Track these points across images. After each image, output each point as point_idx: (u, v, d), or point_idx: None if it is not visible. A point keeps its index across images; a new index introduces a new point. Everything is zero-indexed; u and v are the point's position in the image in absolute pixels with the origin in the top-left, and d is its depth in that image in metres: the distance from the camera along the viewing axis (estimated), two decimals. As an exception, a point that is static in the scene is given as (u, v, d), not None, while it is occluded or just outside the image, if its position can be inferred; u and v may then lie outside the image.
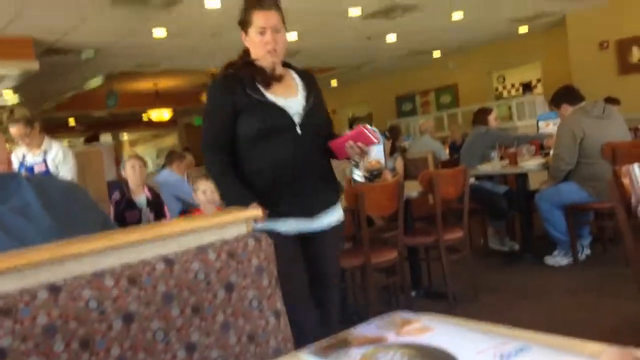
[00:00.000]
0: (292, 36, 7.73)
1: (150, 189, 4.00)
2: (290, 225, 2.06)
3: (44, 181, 1.50)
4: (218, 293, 1.20)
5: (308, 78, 2.24)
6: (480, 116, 4.98)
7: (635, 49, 7.83)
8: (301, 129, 2.04)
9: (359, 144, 1.98)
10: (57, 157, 3.48)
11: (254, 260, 1.28)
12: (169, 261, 1.16)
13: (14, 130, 3.40)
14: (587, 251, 4.17)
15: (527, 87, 9.14)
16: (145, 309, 1.07)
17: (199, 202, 3.30)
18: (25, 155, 3.53)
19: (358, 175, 2.40)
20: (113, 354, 1.00)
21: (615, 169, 1.81)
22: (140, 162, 3.91)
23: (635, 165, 1.83)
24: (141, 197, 3.88)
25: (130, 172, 3.84)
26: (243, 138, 2.05)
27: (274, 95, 2.06)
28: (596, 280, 3.65)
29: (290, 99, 2.09)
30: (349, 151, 2.00)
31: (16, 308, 0.93)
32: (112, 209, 3.79)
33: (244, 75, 2.07)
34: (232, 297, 1.22)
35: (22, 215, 1.34)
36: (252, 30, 2.05)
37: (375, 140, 1.99)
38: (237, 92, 2.03)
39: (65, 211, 1.41)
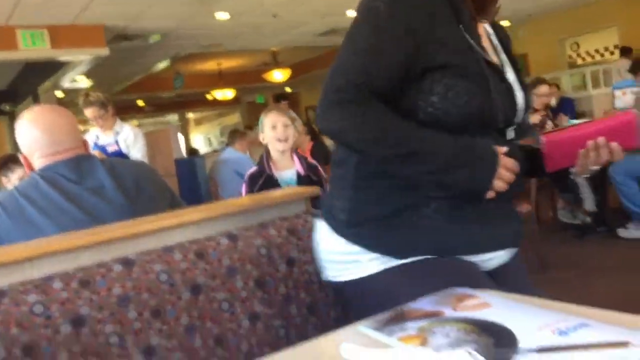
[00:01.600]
0: (351, 12, 7.66)
1: (305, 160, 2.61)
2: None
3: (116, 163, 1.59)
4: (279, 267, 1.23)
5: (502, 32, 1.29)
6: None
7: None
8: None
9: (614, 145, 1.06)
10: (128, 138, 3.65)
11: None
12: (232, 237, 1.20)
13: (89, 112, 3.57)
14: (664, 224, 3.97)
15: (626, 50, 8.31)
16: (212, 281, 1.12)
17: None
18: (99, 136, 3.71)
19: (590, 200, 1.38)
20: (182, 323, 1.06)
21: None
22: (287, 118, 2.52)
23: None
24: (287, 173, 2.52)
25: (270, 135, 2.49)
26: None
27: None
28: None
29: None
30: (589, 156, 1.09)
31: (93, 280, 1.00)
32: (244, 188, 2.54)
33: None
34: (292, 271, 1.25)
35: (97, 195, 1.42)
36: None
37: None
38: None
39: (136, 191, 1.49)
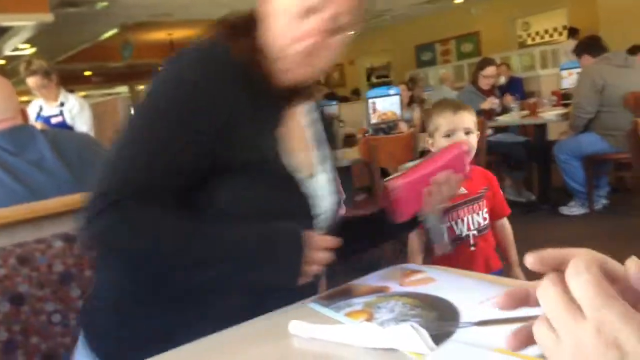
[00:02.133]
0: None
1: None
2: None
3: (59, 134, 1.53)
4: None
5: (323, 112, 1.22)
6: (474, 71, 4.73)
7: (665, -6, 7.51)
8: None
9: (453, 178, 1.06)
10: (73, 109, 3.52)
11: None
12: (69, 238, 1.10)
13: (31, 81, 3.41)
14: (604, 201, 4.15)
15: (573, 32, 8.57)
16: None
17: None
18: (42, 107, 3.57)
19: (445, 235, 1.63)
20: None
21: (635, 120, 1.78)
22: None
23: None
24: None
25: None
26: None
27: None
28: (611, 229, 3.64)
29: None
30: (432, 196, 1.05)
31: (33, 256, 0.97)
32: None
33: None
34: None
35: (37, 167, 1.37)
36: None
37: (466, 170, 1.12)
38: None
39: (80, 164, 1.44)
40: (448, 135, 1.65)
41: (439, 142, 1.68)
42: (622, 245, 3.24)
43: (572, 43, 7.41)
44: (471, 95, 4.64)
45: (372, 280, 0.99)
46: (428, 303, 0.85)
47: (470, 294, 0.87)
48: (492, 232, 1.76)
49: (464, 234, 1.67)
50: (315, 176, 1.03)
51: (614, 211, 4.07)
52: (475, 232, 1.68)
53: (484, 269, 1.65)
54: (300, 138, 1.04)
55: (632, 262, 0.38)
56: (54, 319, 0.94)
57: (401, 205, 1.03)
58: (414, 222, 1.10)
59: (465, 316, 0.79)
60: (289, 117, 1.01)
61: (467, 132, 1.65)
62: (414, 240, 1.73)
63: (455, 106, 1.69)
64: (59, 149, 1.42)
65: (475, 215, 1.68)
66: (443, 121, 1.67)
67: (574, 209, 4.09)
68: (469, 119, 1.66)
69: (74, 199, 1.13)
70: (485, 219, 1.70)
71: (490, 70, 4.59)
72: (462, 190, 1.61)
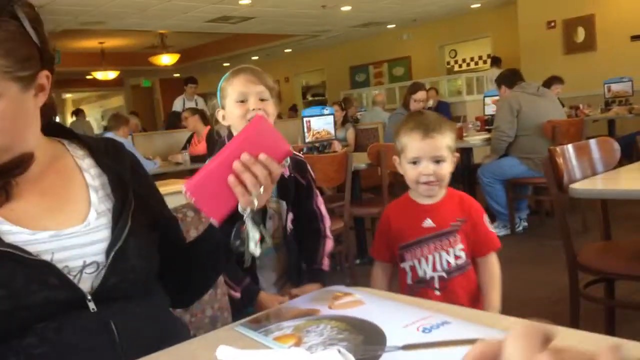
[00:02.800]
0: (245, 0, 7.58)
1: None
2: None
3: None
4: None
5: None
6: (406, 94, 4.91)
7: (580, 29, 8.06)
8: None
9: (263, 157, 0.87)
10: None
11: (192, 232, 1.29)
12: None
13: None
14: (525, 223, 4.36)
15: (496, 61, 9.01)
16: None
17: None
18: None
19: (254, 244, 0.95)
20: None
21: (550, 148, 1.89)
22: (263, 87, 1.58)
23: (570, 147, 1.92)
24: None
25: (235, 113, 1.57)
26: None
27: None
28: (531, 251, 3.81)
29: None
30: (244, 182, 0.87)
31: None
32: None
33: None
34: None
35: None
36: None
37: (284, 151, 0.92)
38: None
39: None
40: (414, 163, 1.44)
41: (405, 167, 1.47)
42: (538, 267, 3.41)
43: (495, 71, 7.83)
44: (402, 118, 4.77)
45: (302, 302, 0.99)
46: (356, 326, 0.86)
47: (397, 317, 0.89)
48: (476, 271, 1.50)
49: (427, 276, 1.45)
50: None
51: (533, 233, 4.26)
52: (443, 274, 1.44)
53: None
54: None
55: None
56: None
57: (207, 204, 0.88)
58: (235, 220, 0.93)
59: (391, 340, 0.80)
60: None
61: (438, 161, 1.42)
62: (378, 275, 1.56)
63: (426, 129, 1.41)
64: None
65: (444, 254, 1.44)
66: (409, 145, 1.44)
67: (496, 230, 4.26)
68: (441, 143, 1.41)
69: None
70: (458, 257, 1.45)
71: (421, 94, 4.75)
72: (429, 222, 1.45)
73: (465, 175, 4.60)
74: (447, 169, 1.44)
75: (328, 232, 1.70)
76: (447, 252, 1.44)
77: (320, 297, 1.00)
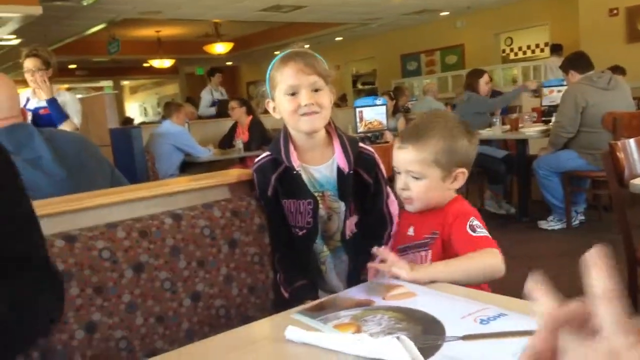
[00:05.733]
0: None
1: (354, 145, 1.49)
2: None
3: (55, 133, 1.54)
4: (222, 248, 1.26)
5: None
6: (471, 80, 4.93)
7: (645, 17, 7.71)
8: None
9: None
10: (63, 101, 3.50)
11: (256, 219, 1.34)
12: (176, 216, 1.21)
13: (31, 62, 3.34)
14: (582, 217, 4.24)
15: (556, 48, 8.70)
16: (155, 260, 1.14)
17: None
18: (30, 99, 3.54)
19: None
20: (124, 300, 1.07)
21: (611, 143, 1.85)
22: (317, 77, 1.37)
23: (632, 141, 1.88)
24: (321, 168, 1.49)
25: (287, 107, 1.37)
26: None
27: None
28: (588, 246, 3.65)
29: None
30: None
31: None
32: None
33: None
34: (234, 252, 1.28)
35: (34, 167, 1.38)
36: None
37: None
38: None
39: (76, 163, 1.46)
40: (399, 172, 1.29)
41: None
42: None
43: (555, 60, 7.57)
44: (479, 98, 4.81)
45: (355, 293, 1.01)
46: (413, 317, 0.88)
47: (452, 308, 0.91)
48: None
49: None
50: None
51: (590, 228, 4.15)
52: None
53: None
54: None
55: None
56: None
57: None
58: None
59: (449, 330, 0.82)
60: None
61: (416, 177, 1.24)
62: None
63: (405, 138, 1.25)
64: (56, 148, 1.44)
65: None
66: (394, 155, 1.30)
67: (552, 224, 4.17)
68: (411, 157, 1.23)
69: (75, 199, 1.15)
70: None
71: (487, 77, 4.82)
72: (410, 231, 1.30)
73: (521, 166, 4.51)
74: (417, 187, 1.23)
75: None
76: None
77: (373, 288, 1.02)
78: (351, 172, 1.37)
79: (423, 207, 1.27)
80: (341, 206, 1.39)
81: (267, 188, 1.34)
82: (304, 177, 1.34)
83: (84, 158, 1.50)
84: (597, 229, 4.11)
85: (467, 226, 1.20)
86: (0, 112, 1.43)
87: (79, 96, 3.87)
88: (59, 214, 1.09)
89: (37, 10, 6.16)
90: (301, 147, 1.37)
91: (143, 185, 1.34)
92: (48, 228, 1.06)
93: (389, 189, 1.46)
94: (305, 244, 1.36)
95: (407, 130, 1.26)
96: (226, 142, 5.47)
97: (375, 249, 1.14)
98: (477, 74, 4.94)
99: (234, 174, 1.45)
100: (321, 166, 1.38)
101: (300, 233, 1.35)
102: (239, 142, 5.21)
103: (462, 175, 1.26)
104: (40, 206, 1.09)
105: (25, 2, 6.03)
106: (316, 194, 1.35)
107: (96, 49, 11.46)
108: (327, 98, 1.34)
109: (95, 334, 1.01)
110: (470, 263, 1.13)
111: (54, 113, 3.33)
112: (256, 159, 1.39)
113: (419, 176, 1.23)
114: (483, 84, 4.83)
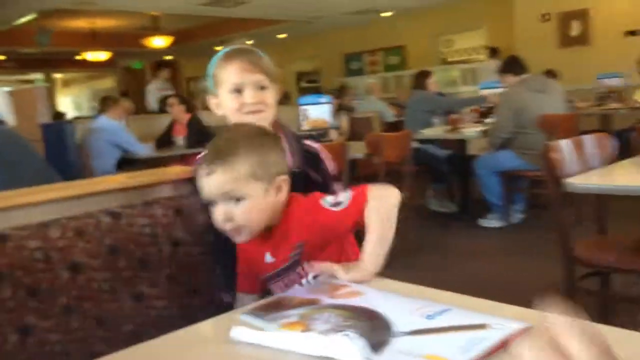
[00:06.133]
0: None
1: (298, 143, 1.47)
2: None
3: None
4: (164, 247, 1.21)
5: None
6: (419, 80, 5.08)
7: (575, 23, 8.08)
8: None
9: None
10: None
11: (199, 218, 1.30)
12: (115, 214, 1.16)
13: None
14: (521, 216, 4.39)
15: (494, 52, 9.03)
16: (92, 260, 1.08)
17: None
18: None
19: None
20: (59, 303, 1.01)
21: (547, 143, 1.92)
22: (262, 76, 1.38)
23: (566, 141, 1.96)
24: None
25: (231, 105, 1.37)
26: None
27: None
28: (526, 243, 3.85)
29: None
30: None
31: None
32: None
33: None
34: (177, 251, 1.24)
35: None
36: None
37: None
38: None
39: (6, 158, 1.38)
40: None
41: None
42: (534, 258, 3.45)
43: (493, 63, 7.84)
44: (432, 96, 5.04)
45: (300, 293, 1.00)
46: (360, 314, 0.87)
47: (398, 305, 0.91)
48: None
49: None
50: None
51: (529, 226, 4.29)
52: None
53: None
54: None
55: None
56: None
57: None
58: None
59: (396, 326, 0.82)
60: None
61: (237, 199, 1.05)
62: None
63: (210, 162, 1.05)
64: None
65: (297, 288, 1.11)
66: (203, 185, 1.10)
67: (492, 222, 4.30)
68: (224, 178, 1.04)
69: (5, 197, 1.08)
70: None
71: (434, 78, 5.07)
72: (268, 258, 1.12)
73: (460, 165, 4.64)
74: (246, 207, 1.05)
75: None
76: (303, 284, 1.12)
77: (318, 288, 1.02)
78: (299, 170, 1.31)
79: (255, 231, 1.08)
80: None
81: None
82: None
83: (14, 152, 1.41)
84: (536, 227, 4.27)
85: (328, 209, 1.08)
86: None
87: (7, 89, 3.67)
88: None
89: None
90: None
91: (77, 183, 1.28)
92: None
93: (338, 186, 1.39)
94: None
95: (210, 154, 1.06)
96: (164, 140, 5.33)
97: (305, 265, 1.08)
98: (424, 74, 5.12)
99: (175, 171, 1.41)
100: None
101: None
102: (179, 139, 5.09)
103: (284, 183, 1.10)
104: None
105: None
106: None
107: (26, 40, 10.93)
108: (271, 97, 1.31)
109: (29, 338, 0.95)
110: (376, 224, 1.06)
111: None
112: (198, 157, 1.22)
113: (239, 196, 1.04)
114: (430, 83, 5.01)
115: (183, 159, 5.05)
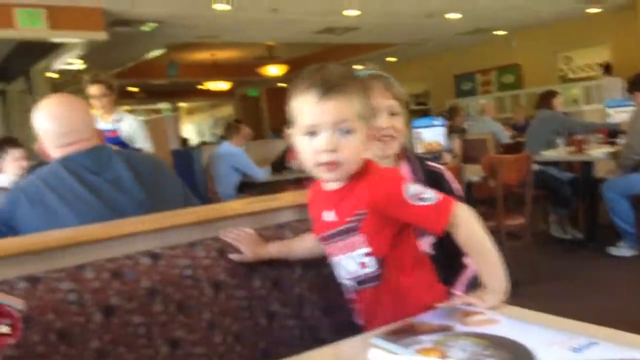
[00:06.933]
0: (353, 12, 7.68)
1: (420, 163, 1.47)
2: None
3: (132, 154, 1.60)
4: (205, 290, 1.13)
5: None
6: (546, 99, 4.88)
7: None
8: None
9: None
10: (131, 127, 3.63)
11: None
12: (154, 256, 1.11)
13: (94, 89, 3.50)
14: (655, 244, 4.04)
15: (607, 69, 8.51)
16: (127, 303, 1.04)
17: None
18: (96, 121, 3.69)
19: None
20: (205, 318, 1.08)
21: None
22: (393, 101, 1.39)
23: None
24: None
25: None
26: None
27: None
28: (661, 274, 3.55)
29: None
30: None
31: (122, 272, 1.02)
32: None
33: None
34: (219, 295, 1.15)
35: (115, 187, 1.43)
36: None
37: None
38: None
39: (154, 183, 1.50)
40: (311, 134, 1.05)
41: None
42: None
43: (612, 80, 7.33)
44: (561, 116, 4.92)
45: (432, 318, 0.98)
46: (499, 344, 0.84)
47: (540, 336, 0.87)
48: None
49: (344, 281, 1.12)
50: None
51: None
52: (354, 283, 1.10)
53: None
54: None
55: None
56: (139, 331, 0.98)
57: None
58: None
59: (541, 358, 0.79)
60: None
61: (347, 132, 1.02)
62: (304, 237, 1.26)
63: (324, 91, 1.00)
64: (135, 169, 1.49)
65: (350, 259, 1.08)
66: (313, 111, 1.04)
67: (622, 250, 3.99)
68: (341, 106, 1.01)
69: (159, 218, 1.18)
70: (364, 265, 1.07)
71: (561, 98, 4.96)
72: (331, 216, 1.08)
73: (587, 189, 4.36)
74: (354, 142, 1.01)
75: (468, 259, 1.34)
76: (351, 257, 1.07)
77: (449, 314, 0.99)
78: None
79: (346, 174, 1.03)
80: None
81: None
82: None
83: (160, 178, 1.54)
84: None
85: (408, 199, 1.01)
86: (82, 134, 1.49)
87: (141, 119, 4.01)
88: (141, 233, 1.12)
89: (102, 35, 6.45)
90: None
91: (216, 207, 1.35)
92: (133, 246, 1.09)
93: None
94: None
95: (320, 83, 1.00)
96: (279, 165, 5.55)
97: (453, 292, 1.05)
98: (551, 94, 4.96)
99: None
100: None
101: None
102: (293, 164, 5.27)
103: (370, 136, 1.06)
104: (126, 225, 1.12)
105: (91, 27, 6.31)
106: None
107: (155, 73, 11.89)
108: (402, 122, 1.30)
109: (178, 350, 1.02)
110: (479, 251, 1.03)
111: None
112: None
113: (350, 128, 1.00)
114: (557, 103, 4.84)
115: (298, 183, 5.22)
